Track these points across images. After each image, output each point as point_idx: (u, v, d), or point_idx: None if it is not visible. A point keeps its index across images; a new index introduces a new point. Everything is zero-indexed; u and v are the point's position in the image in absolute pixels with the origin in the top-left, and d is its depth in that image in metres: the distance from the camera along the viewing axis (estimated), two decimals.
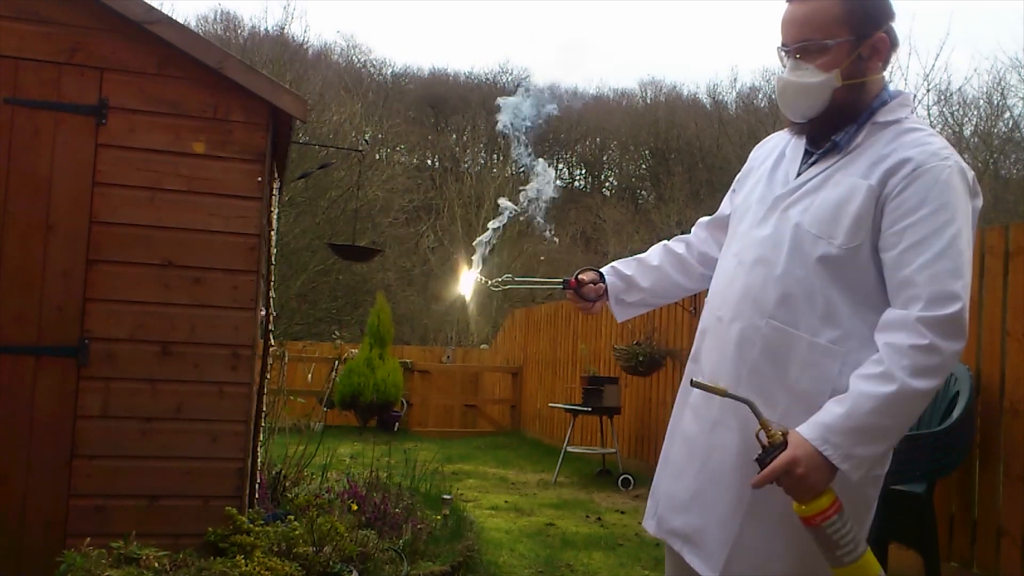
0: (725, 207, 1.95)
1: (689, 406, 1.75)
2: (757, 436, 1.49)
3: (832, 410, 1.48)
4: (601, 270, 2.02)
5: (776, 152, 1.78)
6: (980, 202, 1.59)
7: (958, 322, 1.47)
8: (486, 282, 2.08)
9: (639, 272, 2.00)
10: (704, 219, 2.03)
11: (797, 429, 1.48)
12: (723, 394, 1.51)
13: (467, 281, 2.11)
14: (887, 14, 1.61)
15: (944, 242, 1.48)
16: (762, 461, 1.47)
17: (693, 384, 1.52)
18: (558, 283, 2.03)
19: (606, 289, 2.00)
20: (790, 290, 1.60)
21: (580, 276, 2.01)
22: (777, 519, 1.58)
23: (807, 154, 1.70)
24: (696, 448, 1.70)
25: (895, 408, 1.46)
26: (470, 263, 2.11)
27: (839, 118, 1.62)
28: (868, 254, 1.55)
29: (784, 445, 1.46)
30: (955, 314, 1.46)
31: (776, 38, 1.67)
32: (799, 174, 1.68)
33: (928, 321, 1.46)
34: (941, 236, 1.49)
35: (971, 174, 1.57)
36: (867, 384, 1.47)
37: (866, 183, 1.55)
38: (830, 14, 1.58)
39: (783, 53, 1.65)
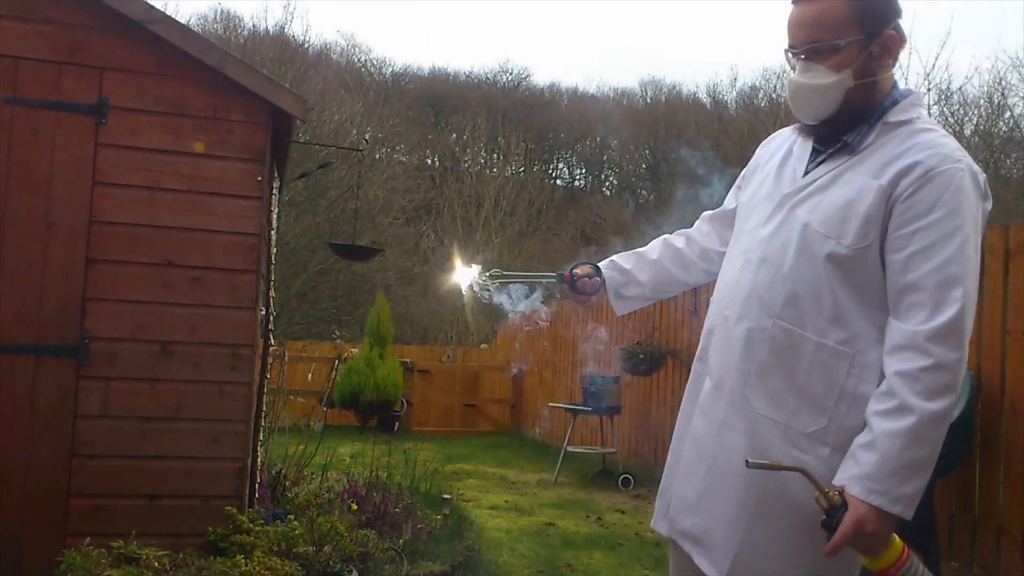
0: (730, 201, 1.94)
1: (698, 407, 1.74)
2: (817, 500, 1.47)
3: (866, 459, 1.45)
4: (599, 264, 2.01)
5: (783, 149, 1.77)
6: (990, 205, 1.57)
7: (959, 330, 1.46)
8: (479, 288, 2.07)
9: (638, 266, 2.00)
10: (708, 213, 2.02)
11: (839, 483, 1.47)
12: (779, 468, 1.50)
13: (463, 276, 2.10)
14: (895, 11, 1.60)
15: (952, 248, 1.47)
16: (828, 525, 1.45)
17: (749, 465, 1.50)
18: (552, 277, 2.03)
19: (603, 283, 1.99)
20: (797, 290, 1.58)
21: (575, 270, 2.00)
22: (783, 520, 1.57)
23: (815, 152, 1.68)
24: (704, 449, 1.69)
25: (923, 436, 1.44)
26: (464, 260, 2.11)
27: (851, 118, 1.60)
28: (876, 255, 1.53)
29: (845, 505, 1.44)
30: (956, 322, 1.45)
31: (781, 38, 1.65)
32: (807, 172, 1.66)
33: (932, 335, 1.45)
34: (950, 242, 1.47)
35: (982, 177, 1.55)
36: (888, 421, 1.45)
37: (877, 183, 1.53)
38: (840, 13, 1.55)
39: (791, 55, 1.63)
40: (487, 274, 2.06)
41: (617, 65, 45.72)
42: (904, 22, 1.62)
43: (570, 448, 7.53)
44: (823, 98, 1.59)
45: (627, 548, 4.88)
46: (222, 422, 3.37)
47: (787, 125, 1.81)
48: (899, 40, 1.60)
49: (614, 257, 2.02)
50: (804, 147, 1.71)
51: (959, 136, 14.22)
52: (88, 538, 2.97)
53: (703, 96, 28.45)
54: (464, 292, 2.14)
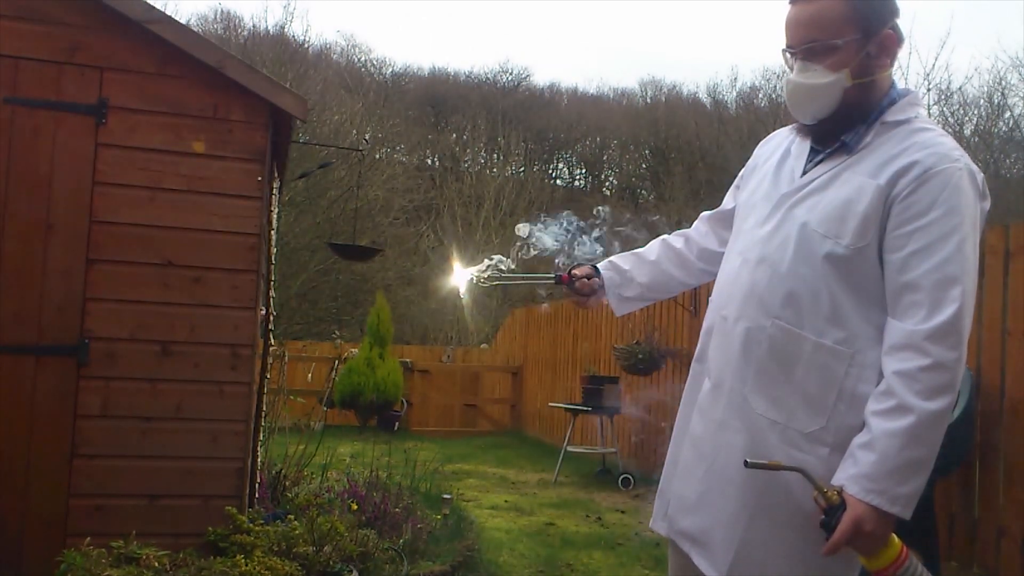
0: (728, 201, 1.94)
1: (697, 407, 1.74)
2: (815, 500, 1.48)
3: (864, 458, 1.46)
4: (598, 265, 2.02)
5: (781, 149, 1.77)
6: (988, 204, 1.57)
7: (958, 329, 1.46)
8: (476, 280, 2.08)
9: (636, 267, 2.00)
10: (706, 213, 2.02)
11: (837, 483, 1.47)
12: (778, 467, 1.50)
13: (460, 277, 2.11)
14: (893, 10, 1.60)
15: (951, 248, 1.47)
16: (827, 525, 1.45)
17: (748, 465, 1.50)
18: (550, 278, 2.03)
19: (601, 283, 1.99)
20: (796, 290, 1.59)
21: (573, 271, 2.01)
22: (782, 520, 1.57)
23: (813, 151, 1.68)
24: (703, 449, 1.69)
25: (922, 436, 1.45)
26: (462, 261, 2.12)
27: (849, 118, 1.60)
28: (875, 254, 1.54)
29: (843, 505, 1.44)
30: (955, 322, 1.45)
31: (779, 38, 1.65)
32: (804, 172, 1.67)
33: (931, 334, 1.45)
34: (948, 241, 1.48)
35: (980, 176, 1.56)
36: (887, 421, 1.45)
37: (875, 183, 1.54)
38: (836, 13, 1.56)
39: (789, 55, 1.63)
40: (485, 275, 2.06)
41: (617, 65, 45.77)
42: (904, 22, 1.63)
43: (570, 448, 7.53)
44: (821, 98, 1.60)
45: (627, 548, 4.88)
46: (222, 422, 3.37)
47: (787, 125, 1.81)
48: (897, 40, 1.60)
49: (612, 258, 2.02)
50: (802, 147, 1.71)
51: (959, 136, 14.22)
52: (88, 538, 2.97)
53: (703, 96, 28.48)
54: (463, 294, 2.14)
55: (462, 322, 19.15)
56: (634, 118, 28.89)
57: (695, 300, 6.96)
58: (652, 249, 2.03)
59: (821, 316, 1.57)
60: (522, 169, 26.71)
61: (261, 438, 3.81)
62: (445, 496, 5.02)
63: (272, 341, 4.05)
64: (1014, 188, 14.56)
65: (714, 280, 1.87)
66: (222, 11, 23.87)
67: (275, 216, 3.97)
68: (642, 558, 4.62)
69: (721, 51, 47.99)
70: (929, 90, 13.84)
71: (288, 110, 3.50)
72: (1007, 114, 15.12)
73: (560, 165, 30.07)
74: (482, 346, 15.66)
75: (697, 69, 43.24)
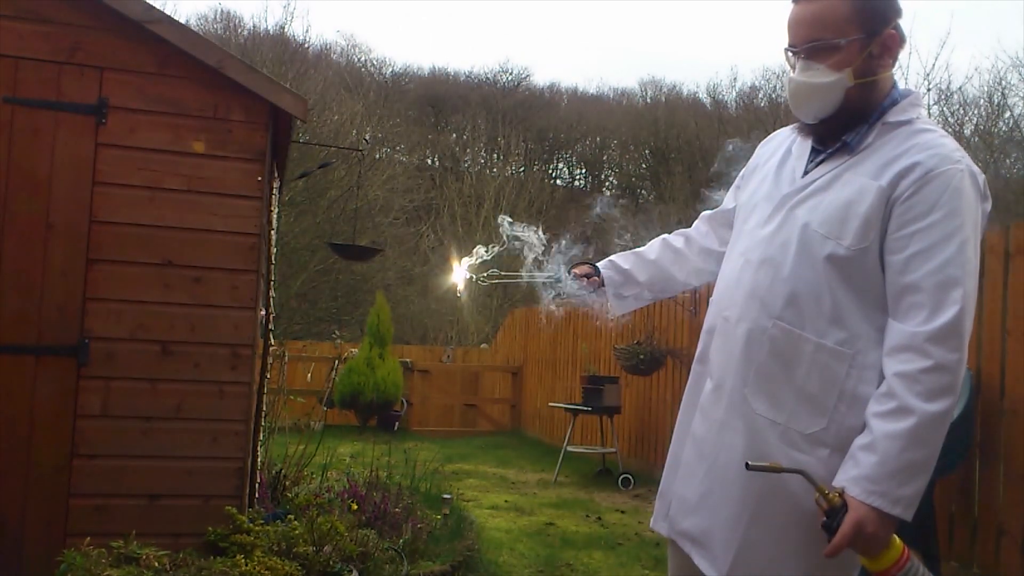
0: (728, 201, 1.94)
1: (698, 408, 1.74)
2: (817, 502, 1.48)
3: (865, 460, 1.46)
4: (597, 264, 2.02)
5: (782, 149, 1.77)
6: (989, 205, 1.57)
7: (959, 331, 1.46)
8: (474, 278, 2.08)
9: (636, 266, 2.00)
10: (707, 213, 2.02)
11: (839, 485, 1.47)
12: (779, 470, 1.50)
13: (459, 275, 2.12)
14: (895, 10, 1.60)
15: (952, 249, 1.47)
16: (828, 527, 1.45)
17: (749, 467, 1.50)
18: (550, 277, 2.03)
19: (601, 283, 1.99)
20: (797, 291, 1.58)
21: (573, 270, 2.01)
22: (783, 521, 1.57)
23: (814, 152, 1.68)
24: (704, 449, 1.69)
25: (923, 438, 1.45)
26: (460, 259, 2.12)
27: (851, 118, 1.60)
28: (876, 255, 1.54)
29: (845, 506, 1.44)
30: (956, 324, 1.45)
31: (781, 38, 1.65)
32: (806, 172, 1.67)
33: (932, 336, 1.45)
34: (949, 243, 1.48)
35: (982, 178, 1.56)
36: (888, 423, 1.45)
37: (876, 184, 1.54)
38: (839, 12, 1.56)
39: (791, 54, 1.63)
40: (485, 273, 2.07)
41: (617, 65, 45.77)
42: (904, 22, 1.63)
43: (570, 448, 7.53)
44: (823, 97, 1.60)
45: (627, 548, 4.88)
46: (222, 422, 3.37)
47: (787, 125, 1.81)
48: (899, 40, 1.60)
49: (612, 257, 2.02)
50: (803, 147, 1.71)
51: (959, 136, 14.22)
52: (88, 538, 2.97)
53: (703, 96, 28.47)
54: (461, 292, 2.14)
55: (462, 322, 19.16)
56: (634, 118, 28.88)
57: (695, 301, 6.96)
58: (652, 248, 2.02)
59: (822, 317, 1.56)
60: (522, 169, 26.70)
61: (261, 438, 3.81)
62: (445, 496, 5.02)
63: (272, 341, 4.04)
64: (1014, 188, 14.55)
65: (714, 280, 1.87)
66: (222, 11, 23.89)
67: (275, 216, 3.97)
68: (642, 558, 4.62)
69: (721, 51, 48.00)
70: (929, 90, 13.84)
71: (288, 110, 3.50)
72: (1007, 114, 15.13)
73: (560, 165, 30.08)
74: (482, 346, 15.65)
75: (697, 69, 43.26)
